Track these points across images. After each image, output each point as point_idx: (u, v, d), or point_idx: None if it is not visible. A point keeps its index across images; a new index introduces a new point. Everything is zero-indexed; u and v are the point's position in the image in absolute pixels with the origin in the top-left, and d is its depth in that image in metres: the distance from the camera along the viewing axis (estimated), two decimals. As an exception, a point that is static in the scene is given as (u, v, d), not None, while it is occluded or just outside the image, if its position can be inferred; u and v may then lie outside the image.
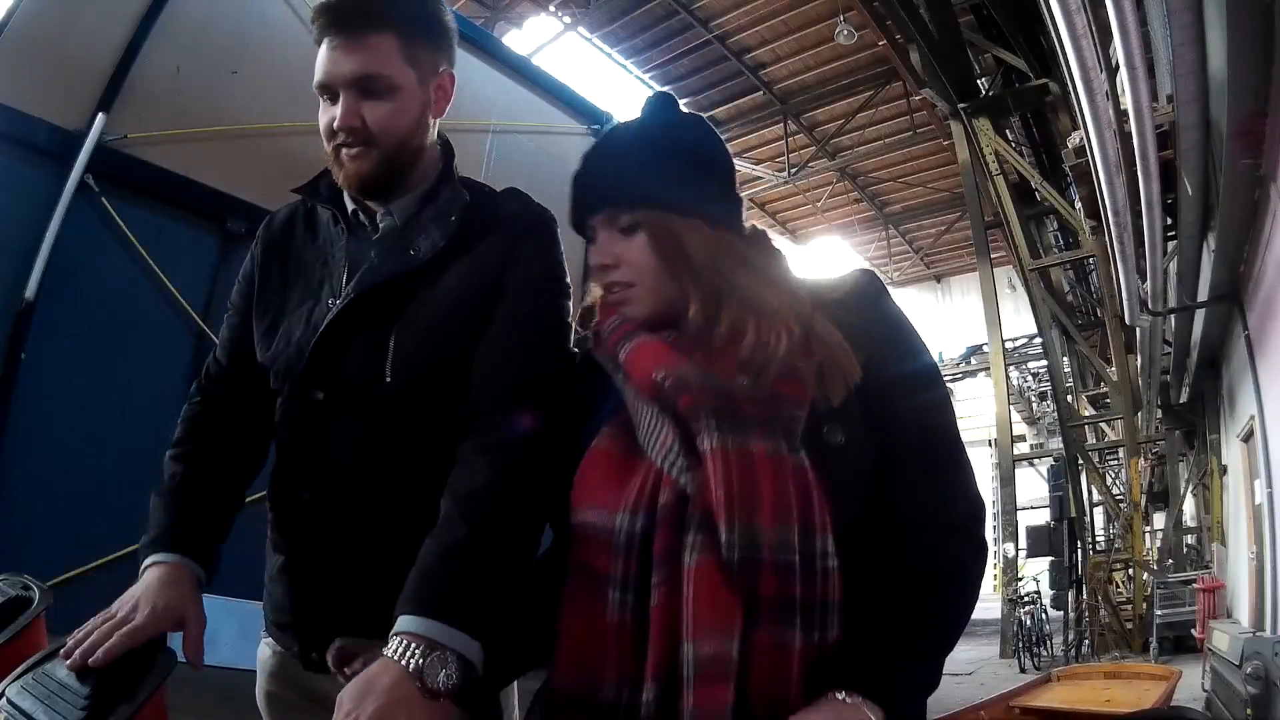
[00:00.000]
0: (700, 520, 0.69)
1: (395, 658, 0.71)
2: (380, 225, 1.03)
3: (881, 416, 0.77)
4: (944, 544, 0.75)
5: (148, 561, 0.93)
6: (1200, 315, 6.80)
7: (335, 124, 0.95)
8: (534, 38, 12.05)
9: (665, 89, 12.69)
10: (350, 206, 1.06)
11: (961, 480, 0.79)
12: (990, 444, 17.87)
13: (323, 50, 0.94)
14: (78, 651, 0.78)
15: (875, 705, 0.66)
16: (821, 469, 0.72)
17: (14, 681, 0.78)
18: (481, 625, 0.76)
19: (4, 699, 0.76)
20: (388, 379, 0.94)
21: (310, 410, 0.98)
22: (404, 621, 0.74)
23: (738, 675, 0.66)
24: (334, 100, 0.95)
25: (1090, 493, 10.79)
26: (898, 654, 0.71)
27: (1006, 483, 10.19)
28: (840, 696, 0.66)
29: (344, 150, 0.97)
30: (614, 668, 0.70)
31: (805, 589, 0.68)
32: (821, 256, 19.01)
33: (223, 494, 1.06)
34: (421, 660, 0.71)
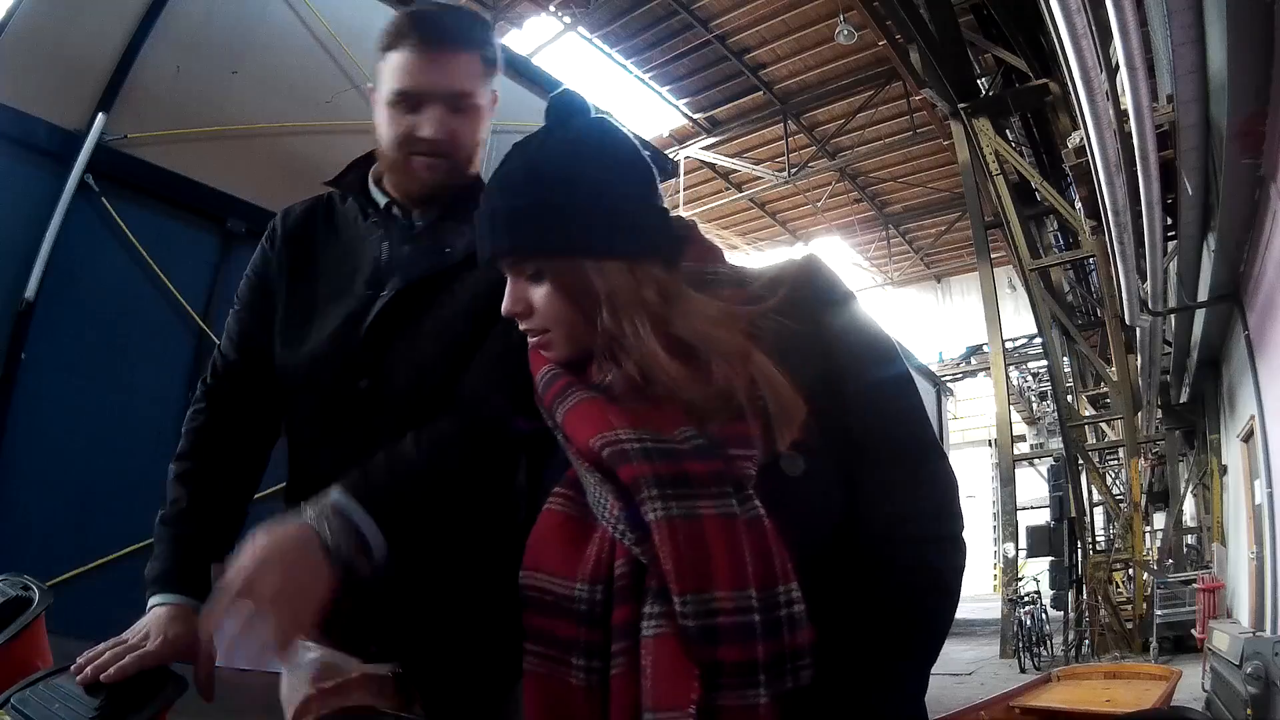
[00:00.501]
0: (657, 591, 0.68)
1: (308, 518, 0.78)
2: (417, 222, 1.06)
3: (841, 424, 0.74)
4: (915, 555, 0.72)
5: (153, 601, 0.93)
6: (1200, 315, 6.80)
7: (420, 133, 0.98)
8: (534, 38, 12.05)
9: (664, 91, 12.62)
10: (383, 201, 1.08)
11: (928, 479, 0.75)
12: (990, 444, 17.89)
13: (407, 60, 0.97)
14: (90, 666, 0.78)
15: None
16: (781, 507, 0.70)
17: (19, 691, 0.78)
18: (392, 529, 0.79)
19: (9, 705, 0.76)
20: (428, 371, 0.95)
21: (354, 401, 0.98)
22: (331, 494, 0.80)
23: None
24: (412, 109, 0.98)
25: (1090, 493, 10.79)
26: (884, 673, 0.70)
27: (1006, 483, 10.19)
28: None
29: (421, 159, 1.00)
30: None
31: (768, 647, 0.66)
32: (821, 257, 18.98)
33: (228, 518, 1.07)
34: (325, 522, 0.77)
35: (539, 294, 0.77)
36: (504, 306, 0.79)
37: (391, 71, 0.98)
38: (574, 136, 0.79)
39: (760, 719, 0.66)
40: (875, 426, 0.76)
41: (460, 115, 0.99)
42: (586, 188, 0.76)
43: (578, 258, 0.75)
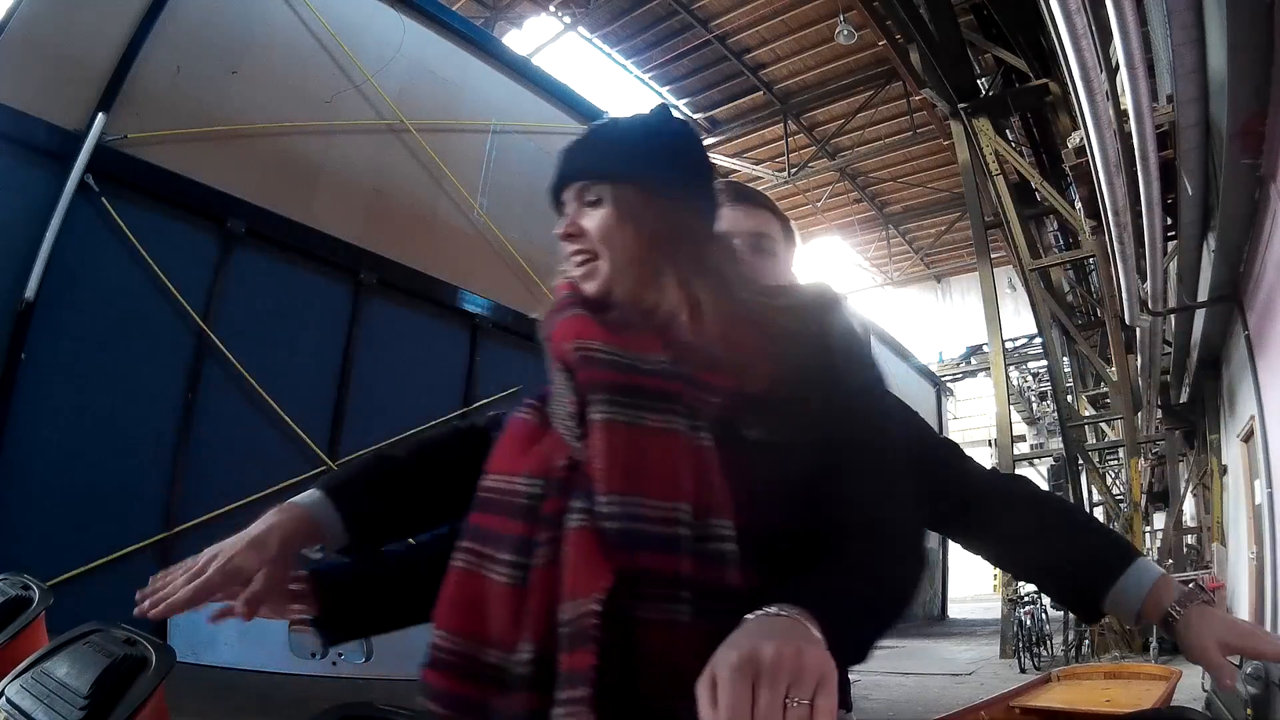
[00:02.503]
0: (587, 489, 0.70)
1: None
2: None
3: (820, 432, 0.74)
4: (884, 541, 0.72)
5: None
6: (1200, 315, 6.80)
7: None
8: (534, 38, 12.06)
9: (664, 91, 12.68)
10: None
11: (893, 506, 0.75)
12: (990, 444, 17.87)
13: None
14: (146, 600, 0.80)
15: (810, 617, 0.60)
16: (731, 461, 0.70)
17: (13, 680, 0.78)
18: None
19: (3, 698, 0.76)
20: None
21: None
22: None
23: (628, 647, 0.65)
24: None
25: (1090, 493, 10.78)
26: (833, 576, 0.67)
27: (1006, 483, 10.17)
28: (770, 610, 0.60)
29: None
30: (498, 629, 0.70)
31: (697, 568, 0.66)
32: (821, 256, 19.02)
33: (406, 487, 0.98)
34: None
35: (595, 217, 0.83)
36: (561, 229, 0.85)
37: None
38: (665, 117, 0.89)
39: (682, 639, 0.64)
40: (856, 440, 0.75)
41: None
42: (664, 140, 0.87)
43: (641, 190, 0.83)
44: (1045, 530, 0.97)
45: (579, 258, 0.84)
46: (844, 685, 1.04)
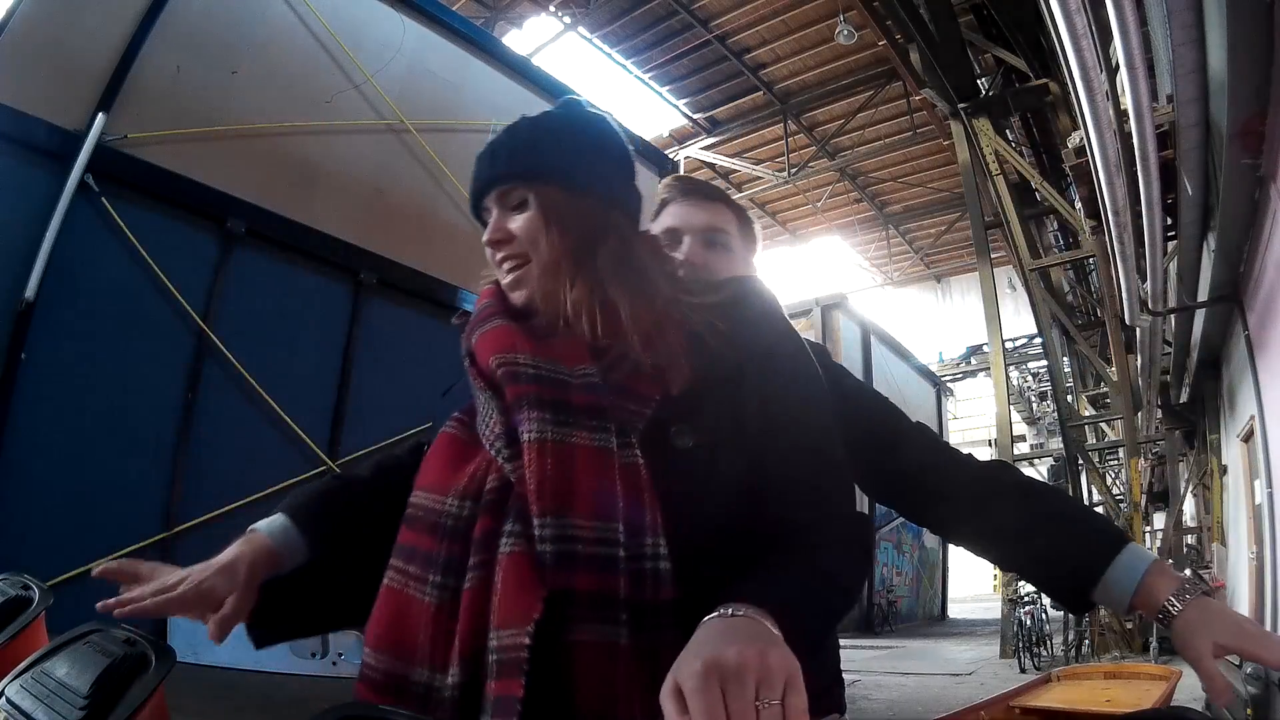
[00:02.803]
0: (519, 510, 0.68)
1: None
2: None
3: (752, 428, 0.74)
4: (828, 539, 0.72)
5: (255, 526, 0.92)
6: (1200, 315, 6.80)
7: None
8: (534, 38, 12.07)
9: (664, 91, 12.69)
10: None
11: (831, 495, 0.76)
12: (990, 444, 17.88)
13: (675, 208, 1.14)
14: (114, 601, 0.80)
15: (765, 613, 0.59)
16: (662, 472, 0.69)
17: (13, 680, 0.78)
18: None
19: (3, 698, 0.76)
20: None
21: None
22: None
23: (563, 672, 0.63)
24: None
25: (1090, 493, 10.78)
26: (779, 570, 0.67)
27: (1006, 483, 10.18)
28: (724, 611, 0.59)
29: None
30: (425, 650, 0.68)
31: (632, 588, 0.65)
32: (821, 256, 19.01)
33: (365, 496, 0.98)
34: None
35: (520, 220, 0.82)
36: (487, 236, 0.84)
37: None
38: (578, 112, 0.89)
39: (620, 662, 0.64)
40: (785, 427, 0.75)
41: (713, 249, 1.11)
42: (581, 135, 0.87)
43: (563, 188, 0.82)
44: (1031, 518, 0.91)
45: (509, 264, 0.83)
46: (837, 687, 1.02)
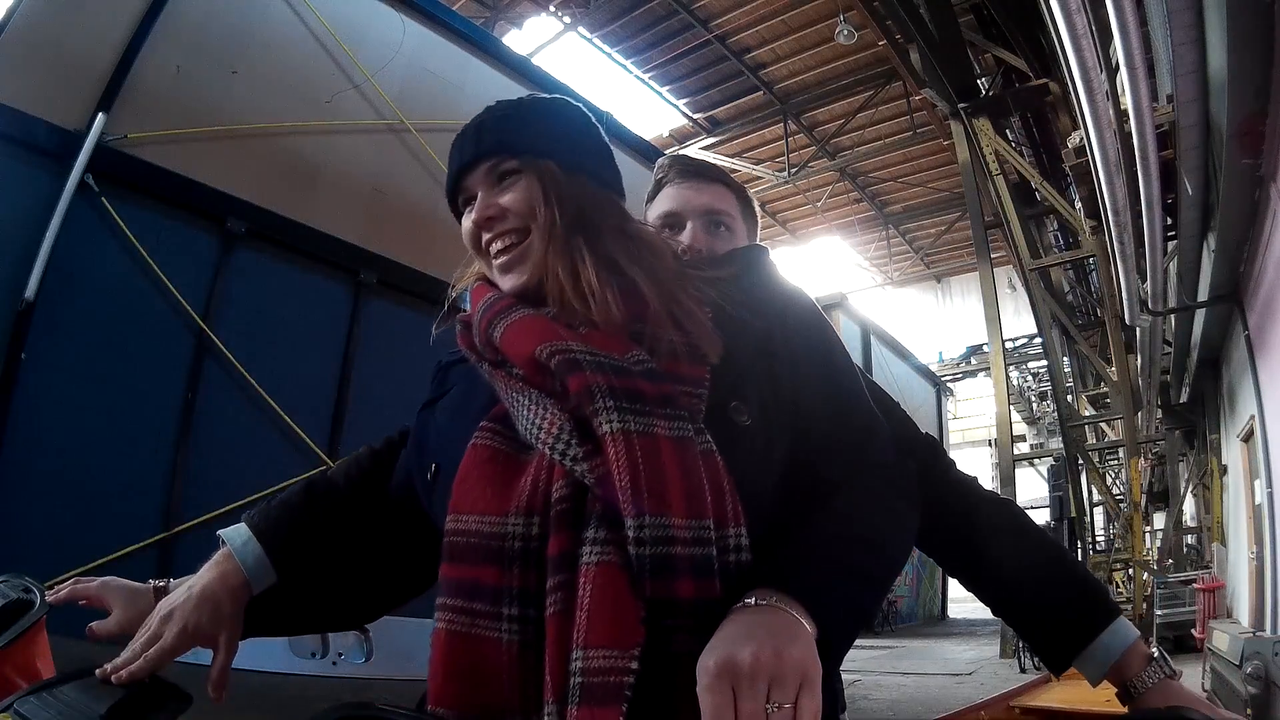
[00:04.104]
0: (601, 515, 0.60)
1: None
2: None
3: (787, 394, 0.72)
4: (865, 493, 0.69)
5: (222, 540, 0.87)
6: (1200, 315, 6.80)
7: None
8: (534, 38, 12.06)
9: (664, 91, 12.70)
10: None
11: (864, 446, 0.74)
12: (990, 444, 17.89)
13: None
14: (109, 665, 0.77)
15: (794, 600, 0.57)
16: (729, 454, 0.64)
17: (25, 696, 0.78)
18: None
19: (12, 710, 0.76)
20: None
21: None
22: None
23: (663, 692, 0.56)
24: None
25: (1090, 493, 10.79)
26: (816, 553, 0.63)
27: (1006, 483, 10.19)
28: (749, 601, 0.57)
29: None
30: (513, 696, 0.60)
31: (724, 589, 0.59)
32: (821, 256, 19.00)
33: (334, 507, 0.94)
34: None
35: (512, 194, 0.77)
36: (477, 215, 0.78)
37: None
38: (553, 100, 0.86)
39: None
40: (824, 398, 0.74)
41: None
42: (567, 119, 0.84)
43: (552, 161, 0.78)
44: (1030, 567, 0.89)
45: (503, 241, 0.76)
46: (837, 684, 1.00)
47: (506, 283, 0.77)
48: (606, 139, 0.86)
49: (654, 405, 0.63)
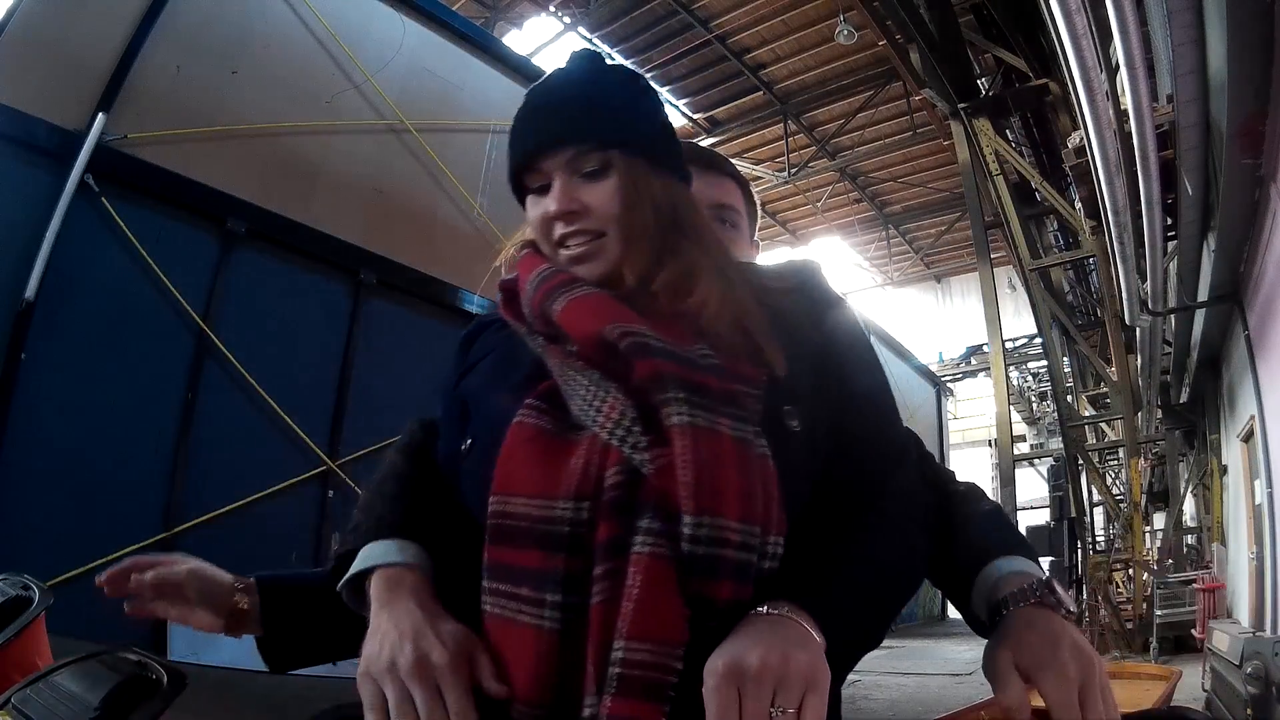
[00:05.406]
0: (656, 506, 0.59)
1: None
2: None
3: (832, 415, 0.71)
4: (888, 521, 0.68)
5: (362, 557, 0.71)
6: (1200, 315, 6.80)
7: None
8: (534, 38, 12.06)
9: (664, 91, 12.67)
10: None
11: (907, 475, 0.74)
12: (990, 444, 17.89)
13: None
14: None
15: (806, 614, 0.57)
16: (779, 458, 0.63)
17: (21, 689, 0.78)
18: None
19: (10, 704, 0.76)
20: None
21: None
22: None
23: (695, 691, 0.55)
24: None
25: (1090, 493, 10.79)
26: (835, 574, 0.62)
27: (1006, 483, 10.20)
28: (763, 610, 0.57)
29: None
30: (553, 685, 0.59)
31: (756, 595, 0.59)
32: (821, 256, 19.01)
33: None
34: None
35: (598, 191, 0.72)
36: (558, 208, 0.72)
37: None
38: (628, 74, 0.79)
39: None
40: (866, 418, 0.74)
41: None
42: (650, 101, 0.77)
43: (642, 159, 0.73)
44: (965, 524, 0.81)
45: (581, 237, 0.72)
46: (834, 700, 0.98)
47: (576, 271, 0.73)
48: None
49: (719, 402, 0.62)
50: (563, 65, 0.79)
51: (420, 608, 0.64)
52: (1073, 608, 0.68)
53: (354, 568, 0.68)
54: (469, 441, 0.71)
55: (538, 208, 0.74)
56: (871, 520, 0.68)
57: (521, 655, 0.59)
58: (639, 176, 0.72)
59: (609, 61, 0.79)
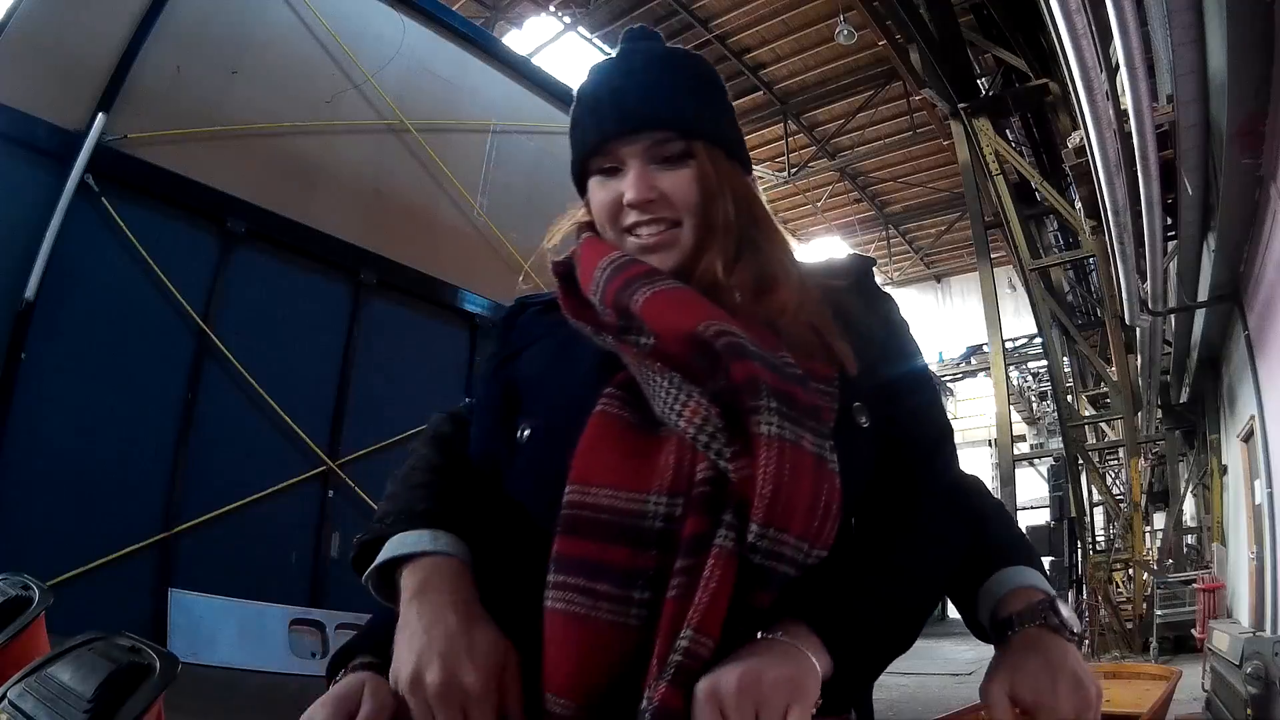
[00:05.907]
0: (736, 511, 0.58)
1: None
2: None
3: (886, 413, 0.71)
4: (924, 514, 0.69)
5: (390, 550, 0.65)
6: (1200, 315, 6.80)
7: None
8: (534, 38, 12.06)
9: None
10: None
11: (956, 473, 0.77)
12: (990, 444, 17.87)
13: None
14: None
15: (803, 629, 0.57)
16: (846, 458, 0.62)
17: (16, 684, 0.78)
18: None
19: (5, 700, 0.76)
20: None
21: None
22: None
23: None
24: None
25: (1090, 493, 10.79)
26: (847, 589, 0.61)
27: (1006, 483, 10.19)
28: (766, 635, 0.57)
29: None
30: (626, 679, 0.57)
31: (779, 599, 0.60)
32: (821, 256, 19.00)
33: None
34: None
35: (677, 179, 0.69)
36: (636, 195, 0.69)
37: None
38: (700, 60, 0.77)
39: None
40: (920, 417, 0.75)
41: None
42: (720, 87, 0.76)
43: (721, 149, 0.71)
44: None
45: (655, 226, 0.70)
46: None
47: (649, 260, 0.70)
48: None
49: (804, 415, 0.60)
50: (629, 44, 0.76)
51: (453, 608, 0.60)
52: (1077, 629, 0.67)
53: (382, 555, 0.64)
54: (526, 431, 0.68)
55: (605, 191, 0.71)
56: (910, 520, 0.68)
57: (595, 653, 0.57)
58: (721, 168, 0.70)
59: (694, 54, 0.77)
